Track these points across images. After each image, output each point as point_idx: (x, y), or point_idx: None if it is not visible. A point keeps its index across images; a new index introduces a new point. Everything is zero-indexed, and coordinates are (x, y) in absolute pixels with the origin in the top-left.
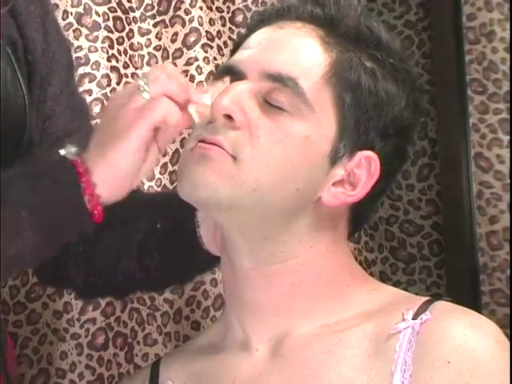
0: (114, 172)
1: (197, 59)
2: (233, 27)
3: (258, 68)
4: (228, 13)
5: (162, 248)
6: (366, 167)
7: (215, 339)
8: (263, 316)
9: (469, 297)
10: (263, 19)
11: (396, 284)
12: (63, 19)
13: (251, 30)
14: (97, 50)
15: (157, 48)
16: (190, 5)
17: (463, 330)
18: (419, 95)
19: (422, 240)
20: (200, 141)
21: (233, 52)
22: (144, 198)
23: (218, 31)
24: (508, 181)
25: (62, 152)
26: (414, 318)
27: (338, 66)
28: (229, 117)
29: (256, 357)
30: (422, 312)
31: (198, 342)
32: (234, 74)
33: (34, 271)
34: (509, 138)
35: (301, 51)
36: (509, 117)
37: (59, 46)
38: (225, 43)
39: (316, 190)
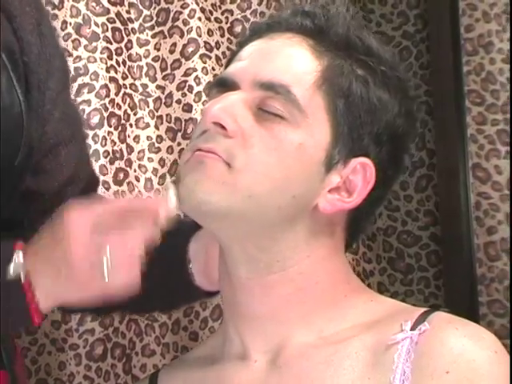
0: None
1: (195, 70)
2: (231, 38)
3: (250, 78)
4: (226, 23)
5: (150, 278)
6: (361, 174)
7: (214, 350)
8: (261, 326)
9: (467, 307)
10: (254, 33)
11: (394, 295)
12: (62, 29)
13: (242, 44)
14: (96, 61)
15: (155, 59)
16: (189, 15)
17: (461, 340)
18: (411, 103)
19: (419, 251)
20: (196, 150)
21: (226, 67)
22: None
23: (217, 42)
24: (506, 191)
25: (11, 269)
26: (413, 328)
27: (329, 72)
28: (221, 126)
29: (254, 367)
30: (421, 323)
31: (197, 354)
32: (227, 86)
33: None
34: (507, 148)
35: (292, 59)
36: (507, 127)
37: (54, 49)
38: (223, 54)
39: (312, 198)
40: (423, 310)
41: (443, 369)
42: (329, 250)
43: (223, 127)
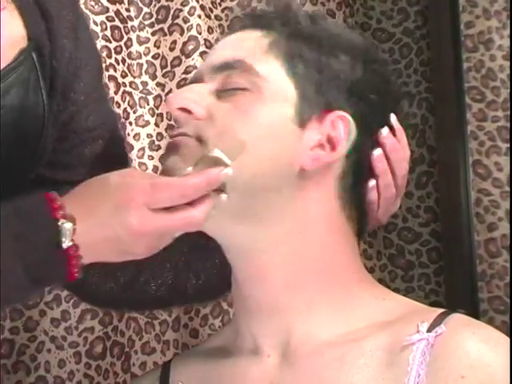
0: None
1: (195, 67)
2: None
3: (209, 67)
4: (226, 21)
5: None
6: (341, 127)
7: (227, 342)
8: (267, 318)
9: (467, 304)
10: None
11: (394, 291)
12: None
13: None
14: None
15: (155, 56)
16: (189, 13)
17: (478, 344)
18: (374, 54)
19: (420, 247)
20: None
21: None
22: None
23: (217, 39)
24: (506, 188)
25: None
26: (429, 330)
27: (281, 42)
28: (187, 111)
29: (267, 363)
30: (437, 325)
31: (210, 345)
32: (196, 82)
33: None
34: (507, 145)
35: (242, 40)
36: (507, 124)
37: (89, 52)
38: None
39: (292, 158)
40: (440, 311)
41: (458, 373)
42: (323, 225)
43: (189, 112)
